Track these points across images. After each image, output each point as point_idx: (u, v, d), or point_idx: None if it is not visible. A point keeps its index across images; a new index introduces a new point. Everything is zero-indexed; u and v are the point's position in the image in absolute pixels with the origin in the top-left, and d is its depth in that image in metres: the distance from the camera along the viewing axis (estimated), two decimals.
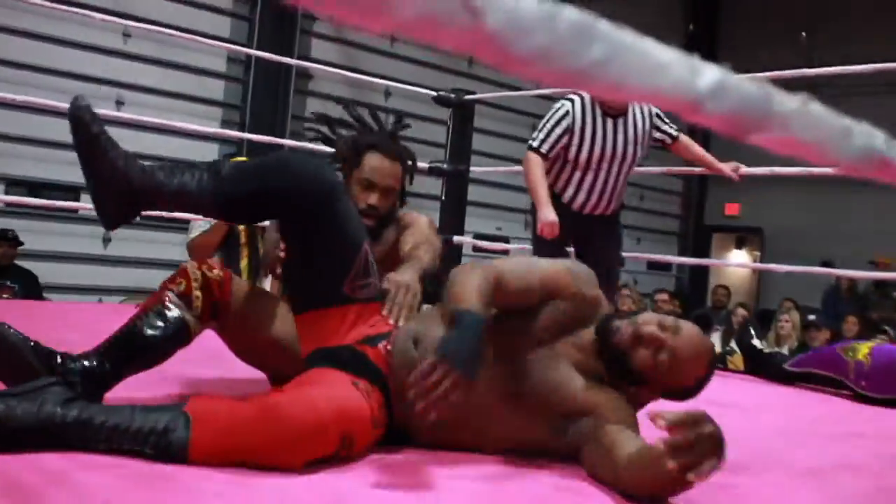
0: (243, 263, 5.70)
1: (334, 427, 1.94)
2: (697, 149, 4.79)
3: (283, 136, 9.92)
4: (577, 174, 4.52)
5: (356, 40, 11.52)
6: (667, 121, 4.69)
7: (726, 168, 4.77)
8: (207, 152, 9.58)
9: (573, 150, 4.46)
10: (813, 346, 7.52)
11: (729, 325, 9.04)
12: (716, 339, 8.68)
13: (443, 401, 1.88)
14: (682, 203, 16.21)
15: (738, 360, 5.56)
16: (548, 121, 4.48)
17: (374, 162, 2.91)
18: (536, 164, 4.45)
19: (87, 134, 2.32)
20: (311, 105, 11.16)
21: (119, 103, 9.18)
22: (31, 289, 7.63)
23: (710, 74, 0.58)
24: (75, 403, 1.89)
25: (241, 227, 5.68)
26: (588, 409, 2.19)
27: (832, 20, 13.13)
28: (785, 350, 7.42)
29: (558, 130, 4.43)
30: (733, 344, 6.64)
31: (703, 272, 15.71)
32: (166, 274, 2.46)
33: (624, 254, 6.02)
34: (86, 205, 8.22)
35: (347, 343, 2.29)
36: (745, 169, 4.92)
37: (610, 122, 4.46)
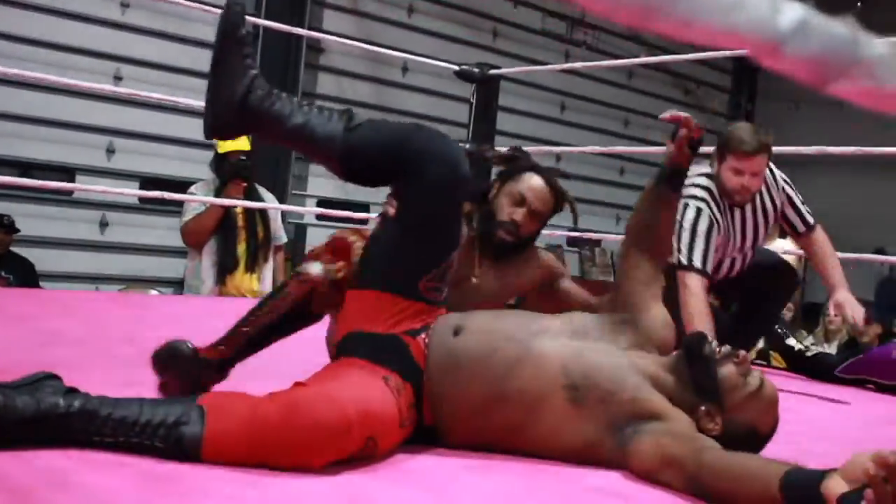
0: (241, 248, 5.69)
1: (359, 429, 1.92)
2: (825, 254, 4.27)
3: None
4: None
5: (371, 11, 11.48)
6: (802, 210, 4.30)
7: (844, 308, 3.98)
8: None
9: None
10: (862, 341, 7.46)
11: None
12: None
13: None
14: None
15: (780, 357, 5.50)
16: (693, 231, 3.98)
17: (533, 181, 3.16)
18: (699, 289, 3.89)
19: (233, 33, 2.36)
20: (323, 81, 11.14)
21: (117, 78, 9.18)
22: (28, 278, 7.66)
23: (792, 12, 0.56)
24: (78, 395, 1.88)
25: (239, 210, 5.67)
26: (657, 414, 2.19)
27: None
28: (833, 348, 7.37)
29: (711, 241, 3.99)
30: None
31: None
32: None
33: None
34: (81, 185, 8.27)
35: (393, 332, 2.26)
36: (789, 149, 4.90)
37: (738, 213, 4.17)
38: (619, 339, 2.38)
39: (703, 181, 4.07)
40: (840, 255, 4.42)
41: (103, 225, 9.54)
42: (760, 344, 8.34)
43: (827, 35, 0.57)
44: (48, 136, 8.94)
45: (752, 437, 2.25)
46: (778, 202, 4.24)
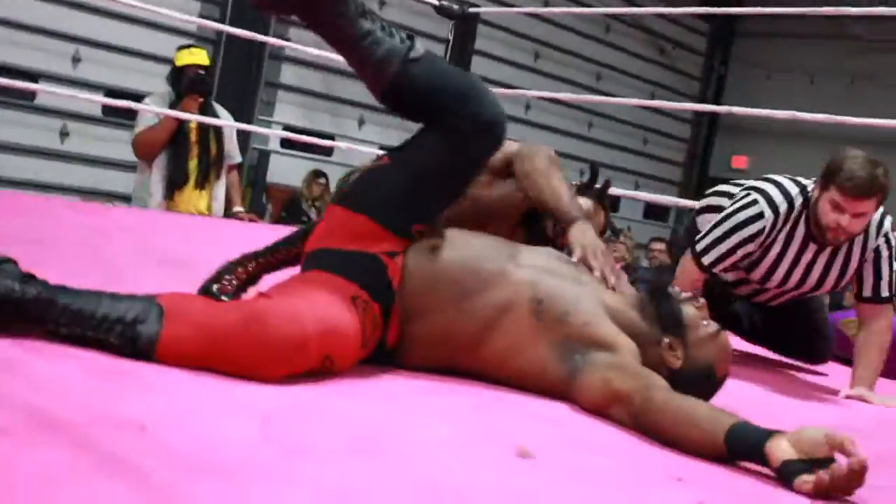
0: (192, 164, 5.61)
1: (316, 346, 1.92)
2: (871, 342, 3.49)
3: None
4: (753, 285, 3.78)
5: None
6: (883, 274, 3.55)
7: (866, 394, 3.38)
8: None
9: (753, 268, 3.61)
10: None
11: None
12: None
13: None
14: (686, 151, 16.20)
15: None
16: (730, 232, 3.48)
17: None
18: (691, 276, 3.58)
19: None
20: None
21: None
22: None
23: None
24: (36, 281, 1.84)
25: (193, 126, 5.59)
26: (608, 345, 2.23)
27: None
28: None
29: (740, 252, 3.50)
30: None
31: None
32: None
33: (619, 192, 6.00)
34: (45, 87, 8.13)
35: (372, 251, 2.22)
36: (752, 110, 4.89)
37: (812, 251, 3.53)
38: (585, 275, 2.42)
39: (795, 194, 3.51)
40: None
41: (64, 134, 9.41)
42: None
43: None
44: (12, 38, 8.77)
45: (709, 377, 2.31)
46: (867, 251, 3.53)
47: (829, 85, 14.02)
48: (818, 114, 5.06)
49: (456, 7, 5.87)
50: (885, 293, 3.53)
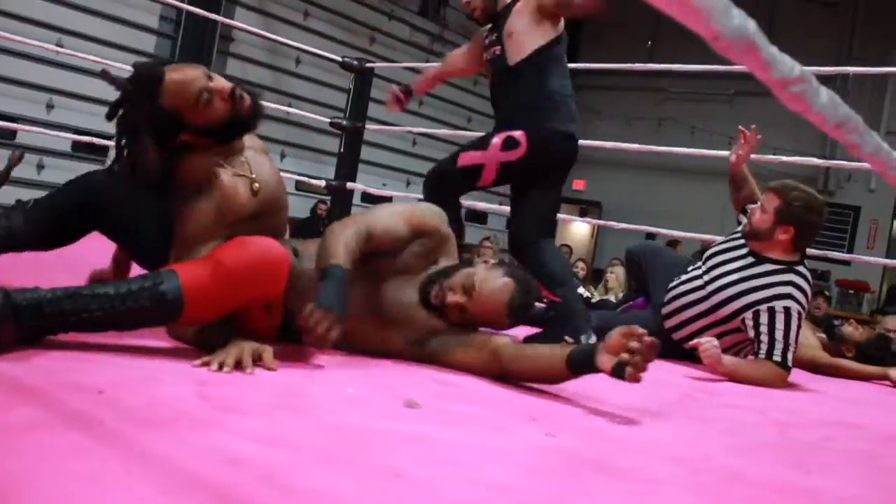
0: None
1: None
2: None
3: None
4: None
5: (274, 12, 11.24)
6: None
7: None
8: None
9: None
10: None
11: None
12: None
13: (325, 337, 1.88)
14: None
15: None
16: (787, 331, 3.01)
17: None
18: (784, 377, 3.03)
19: None
20: (232, 65, 10.86)
21: (59, 45, 8.76)
22: None
23: None
24: (43, 289, 1.69)
25: None
26: (434, 330, 2.24)
27: (671, 29, 13.37)
28: (612, 297, 7.56)
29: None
30: None
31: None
32: None
33: (488, 207, 6.04)
34: (24, 127, 7.84)
35: None
36: (591, 142, 4.97)
37: None
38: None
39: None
40: (622, 224, 4.51)
41: (40, 167, 9.11)
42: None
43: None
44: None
45: (501, 323, 2.28)
46: None
47: (642, 125, 14.42)
48: (633, 144, 5.17)
49: (355, 63, 5.84)
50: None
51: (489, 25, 3.34)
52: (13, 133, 8.68)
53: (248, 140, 2.26)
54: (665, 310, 3.44)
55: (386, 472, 1.19)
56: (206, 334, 1.88)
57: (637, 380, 1.78)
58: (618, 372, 1.80)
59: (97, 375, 1.50)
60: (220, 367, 1.73)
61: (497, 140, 3.08)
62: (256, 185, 2.16)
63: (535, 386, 2.09)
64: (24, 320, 1.62)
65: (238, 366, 1.76)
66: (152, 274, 1.79)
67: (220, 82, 2.11)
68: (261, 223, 2.12)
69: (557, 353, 2.00)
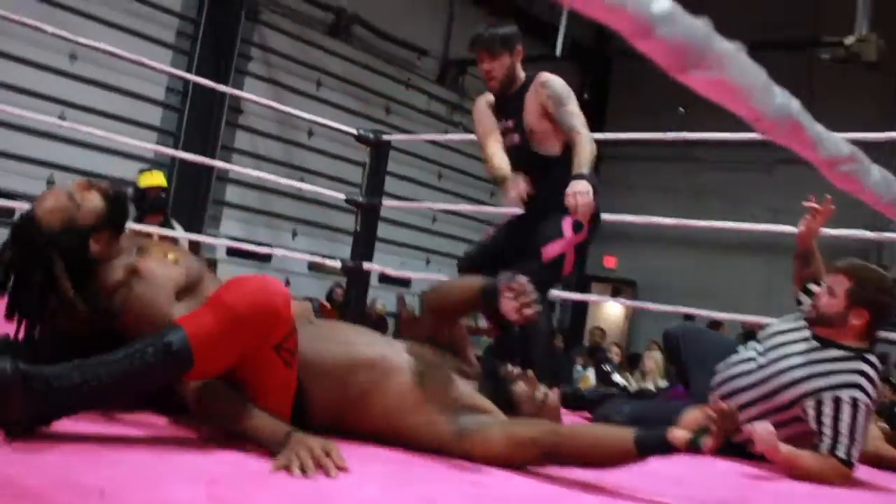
0: None
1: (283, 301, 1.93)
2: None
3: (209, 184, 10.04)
4: None
5: (285, 82, 11.44)
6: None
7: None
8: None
9: None
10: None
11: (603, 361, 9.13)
12: (591, 373, 8.78)
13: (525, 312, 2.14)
14: None
15: None
16: (853, 424, 2.91)
17: None
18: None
19: None
20: (241, 137, 11.03)
21: (62, 118, 8.94)
22: None
23: (663, 2, 0.57)
24: (48, 366, 1.73)
25: (154, 238, 5.55)
26: (487, 409, 2.23)
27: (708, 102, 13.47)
28: (650, 384, 7.51)
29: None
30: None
31: (581, 315, 16.05)
32: None
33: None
34: (23, 206, 7.98)
35: None
36: (623, 217, 4.98)
37: None
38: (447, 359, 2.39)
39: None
40: (659, 306, 4.49)
41: None
42: (592, 380, 8.46)
43: (688, 24, 0.58)
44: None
45: None
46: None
47: (678, 198, 14.40)
48: (669, 218, 5.17)
49: (371, 136, 5.92)
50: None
51: (491, 98, 3.77)
52: (11, 211, 8.80)
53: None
54: (711, 396, 3.39)
55: None
56: (243, 422, 1.89)
57: (713, 448, 1.86)
58: (695, 443, 1.87)
59: (97, 473, 1.51)
60: (303, 471, 1.73)
61: (566, 225, 3.45)
62: (171, 255, 2.30)
63: (577, 480, 2.05)
64: (34, 389, 1.65)
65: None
66: (156, 334, 1.82)
67: (78, 181, 2.27)
68: (200, 296, 2.21)
69: (620, 433, 2.02)
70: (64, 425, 1.74)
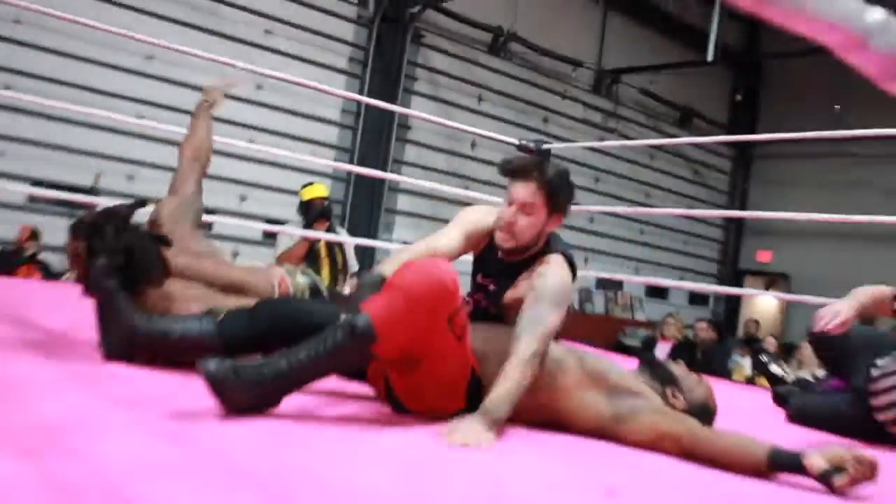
0: (324, 272, 5.76)
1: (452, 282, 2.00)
2: None
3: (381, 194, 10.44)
4: None
5: (449, 99, 11.57)
6: None
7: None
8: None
9: None
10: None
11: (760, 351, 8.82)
12: (747, 363, 8.52)
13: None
14: (720, 249, 16.01)
15: (764, 380, 5.36)
16: None
17: None
18: None
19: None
20: (409, 151, 11.22)
21: (251, 141, 9.30)
22: None
23: (877, 12, 0.53)
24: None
25: (322, 244, 5.73)
26: (642, 394, 2.27)
27: (862, 91, 12.88)
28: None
29: None
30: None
31: (735, 307, 15.67)
32: None
33: (670, 283, 5.89)
34: (219, 219, 8.35)
35: None
36: (781, 214, 4.77)
37: None
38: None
39: None
40: (816, 298, 4.29)
41: (235, 254, 9.64)
42: (748, 369, 8.18)
43: None
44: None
45: (707, 410, 2.38)
46: None
47: (831, 192, 13.79)
48: (820, 214, 4.94)
49: (532, 145, 5.90)
50: None
51: (490, 231, 2.51)
52: (210, 224, 9.26)
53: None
54: (873, 387, 3.22)
55: None
56: None
57: (844, 490, 1.82)
58: (827, 476, 1.83)
59: (306, 455, 1.56)
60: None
61: None
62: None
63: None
64: (247, 379, 1.80)
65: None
66: (338, 321, 1.95)
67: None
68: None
69: (755, 446, 1.99)
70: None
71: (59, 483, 1.17)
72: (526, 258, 2.43)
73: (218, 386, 1.78)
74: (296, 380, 1.86)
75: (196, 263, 2.60)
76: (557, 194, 2.41)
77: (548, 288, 2.28)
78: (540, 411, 2.23)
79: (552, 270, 2.34)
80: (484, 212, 2.54)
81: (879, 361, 3.22)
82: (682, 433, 2.09)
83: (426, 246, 2.39)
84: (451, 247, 2.43)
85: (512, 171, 2.42)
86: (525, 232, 2.38)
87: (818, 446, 1.89)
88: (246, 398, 1.80)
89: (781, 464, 1.91)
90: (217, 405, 1.79)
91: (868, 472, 1.82)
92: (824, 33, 0.53)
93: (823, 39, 0.54)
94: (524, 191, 2.37)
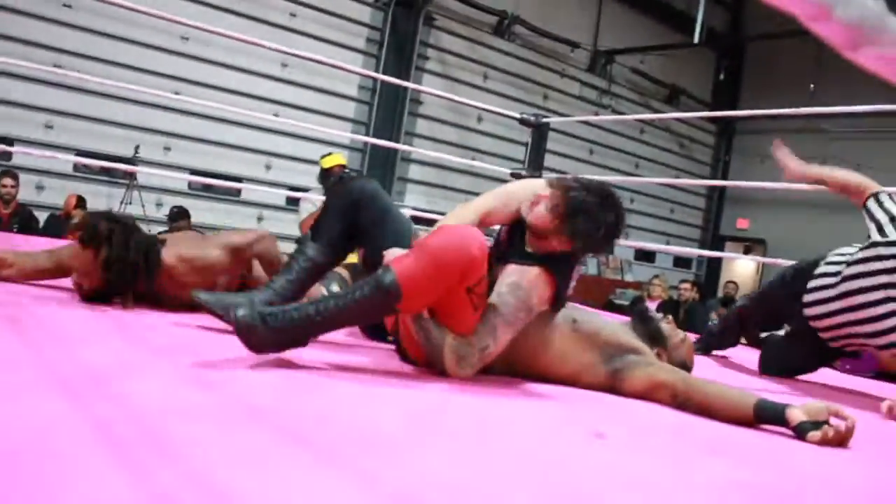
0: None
1: (479, 248, 1.92)
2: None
3: (394, 164, 10.25)
4: None
5: (457, 76, 11.50)
6: None
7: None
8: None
9: None
10: None
11: None
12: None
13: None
14: (703, 217, 15.96)
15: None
16: None
17: None
18: None
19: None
20: (420, 124, 11.17)
21: (276, 115, 9.27)
22: None
23: None
24: (284, 305, 1.91)
25: None
26: (636, 349, 2.21)
27: (835, 71, 12.74)
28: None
29: None
30: None
31: (716, 270, 15.67)
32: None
33: (657, 248, 5.87)
34: (247, 186, 8.33)
35: None
36: (759, 183, 4.73)
37: None
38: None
39: None
40: (789, 261, 4.24)
41: (259, 219, 9.64)
42: None
43: (863, 6, 0.53)
44: (223, 153, 8.98)
45: (684, 368, 2.32)
46: None
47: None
48: (796, 185, 4.88)
49: (532, 118, 5.86)
50: None
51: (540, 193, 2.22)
52: (238, 191, 9.25)
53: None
54: (807, 302, 3.10)
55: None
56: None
57: (816, 443, 1.76)
58: (803, 430, 1.78)
59: (321, 400, 1.56)
60: None
61: None
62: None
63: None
64: (274, 325, 1.79)
65: None
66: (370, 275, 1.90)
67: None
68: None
69: (743, 397, 1.94)
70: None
71: (102, 423, 1.18)
72: (526, 254, 2.19)
73: (246, 331, 1.78)
74: (321, 325, 1.85)
75: (184, 252, 2.52)
76: (577, 218, 2.15)
77: (513, 280, 2.09)
78: (540, 370, 2.20)
79: (522, 285, 2.09)
80: (531, 188, 2.25)
81: (810, 284, 3.12)
82: (676, 383, 2.05)
83: (474, 211, 2.26)
84: (496, 217, 2.28)
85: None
86: (540, 217, 2.15)
87: (807, 402, 1.84)
88: (273, 340, 1.80)
89: (766, 415, 1.87)
90: (247, 350, 1.79)
91: (844, 437, 1.76)
92: (793, 4, 0.52)
93: (791, 10, 0.53)
94: (542, 199, 2.15)
